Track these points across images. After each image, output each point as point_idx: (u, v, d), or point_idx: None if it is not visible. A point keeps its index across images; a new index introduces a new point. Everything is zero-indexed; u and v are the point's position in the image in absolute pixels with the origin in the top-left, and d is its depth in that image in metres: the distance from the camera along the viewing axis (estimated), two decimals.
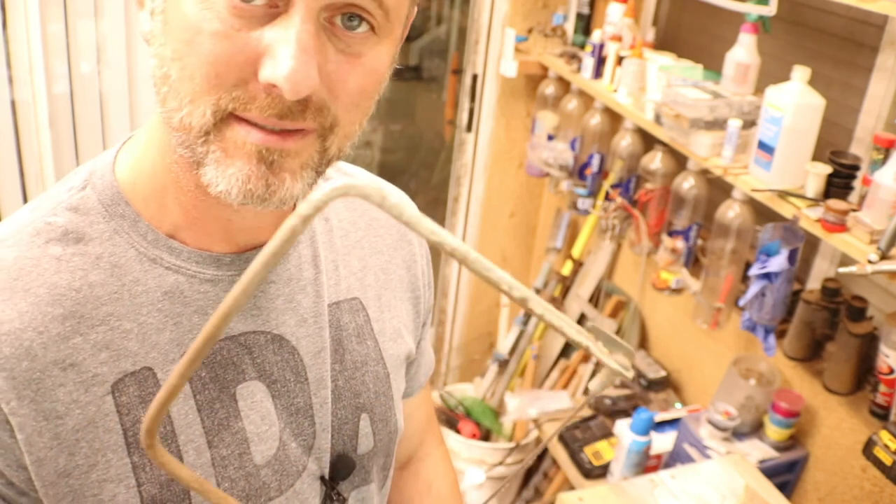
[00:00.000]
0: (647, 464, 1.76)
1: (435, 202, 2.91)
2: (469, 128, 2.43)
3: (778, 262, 1.47)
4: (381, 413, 0.75)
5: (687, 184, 1.74)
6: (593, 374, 2.30)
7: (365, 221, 0.79)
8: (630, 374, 0.44)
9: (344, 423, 0.71)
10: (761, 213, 1.62)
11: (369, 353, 0.74)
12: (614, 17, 1.94)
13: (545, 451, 2.30)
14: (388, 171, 3.58)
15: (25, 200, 1.74)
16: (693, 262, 1.83)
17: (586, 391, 2.16)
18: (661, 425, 1.82)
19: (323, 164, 0.58)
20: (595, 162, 2.05)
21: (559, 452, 1.95)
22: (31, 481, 0.58)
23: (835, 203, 1.35)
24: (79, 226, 0.61)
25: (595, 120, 2.03)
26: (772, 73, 1.64)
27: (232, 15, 0.51)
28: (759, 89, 1.60)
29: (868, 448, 1.38)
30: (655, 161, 1.85)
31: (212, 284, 0.63)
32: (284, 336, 0.67)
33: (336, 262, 0.73)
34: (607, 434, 1.93)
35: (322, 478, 0.70)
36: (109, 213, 0.62)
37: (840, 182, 1.40)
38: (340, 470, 0.71)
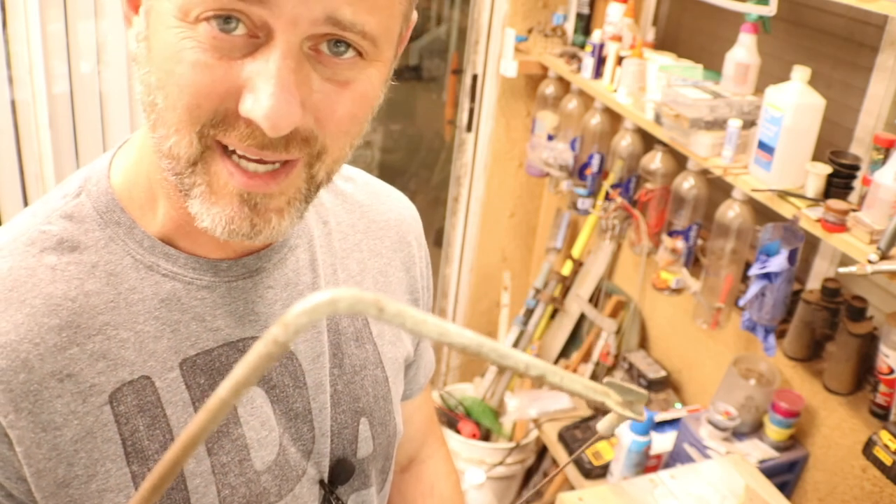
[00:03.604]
0: (647, 464, 1.76)
1: (435, 202, 2.91)
2: (469, 128, 2.43)
3: (778, 262, 1.47)
4: (381, 417, 0.75)
5: (687, 184, 1.74)
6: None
7: (364, 224, 0.78)
8: (643, 418, 0.48)
9: (343, 427, 0.71)
10: (761, 213, 1.62)
11: (368, 357, 0.74)
12: (614, 17, 1.94)
13: (545, 451, 2.30)
14: (388, 171, 3.58)
15: (26, 200, 1.74)
16: (693, 262, 1.83)
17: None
18: (661, 425, 1.82)
19: (312, 192, 0.57)
20: (595, 162, 2.05)
21: (559, 452, 1.95)
22: (30, 493, 0.58)
23: (835, 203, 1.35)
24: (73, 234, 0.60)
25: (595, 120, 2.03)
26: (772, 73, 1.64)
27: (212, 45, 0.50)
28: (759, 89, 1.60)
29: (868, 448, 1.38)
30: (655, 161, 1.85)
31: (209, 291, 0.63)
32: None
33: (334, 265, 0.73)
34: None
35: (321, 482, 0.70)
36: (104, 220, 0.61)
37: (840, 182, 1.39)
38: (340, 474, 0.71)
